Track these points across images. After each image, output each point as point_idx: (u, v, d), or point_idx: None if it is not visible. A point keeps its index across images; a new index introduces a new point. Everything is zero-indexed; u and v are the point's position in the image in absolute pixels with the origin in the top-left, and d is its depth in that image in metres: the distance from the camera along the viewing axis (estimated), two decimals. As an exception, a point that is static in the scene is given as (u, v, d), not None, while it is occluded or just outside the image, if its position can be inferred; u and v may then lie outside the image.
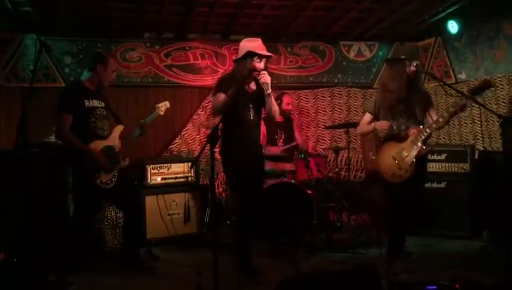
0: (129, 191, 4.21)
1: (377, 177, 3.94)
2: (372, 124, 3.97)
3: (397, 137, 3.87)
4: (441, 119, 3.72)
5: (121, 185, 4.03)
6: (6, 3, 4.96)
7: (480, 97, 3.84)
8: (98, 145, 3.88)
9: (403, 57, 3.85)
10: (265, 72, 3.78)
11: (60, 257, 3.82)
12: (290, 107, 5.90)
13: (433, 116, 3.89)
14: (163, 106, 4.47)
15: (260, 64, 3.83)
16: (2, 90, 5.60)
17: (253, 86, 3.94)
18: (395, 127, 3.85)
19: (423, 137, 3.78)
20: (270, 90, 3.77)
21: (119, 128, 4.13)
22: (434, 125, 3.76)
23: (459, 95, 3.70)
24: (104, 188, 3.87)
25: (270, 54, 3.93)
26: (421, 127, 3.81)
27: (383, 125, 3.89)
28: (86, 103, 3.87)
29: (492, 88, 3.77)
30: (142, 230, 4.72)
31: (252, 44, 3.89)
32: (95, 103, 3.94)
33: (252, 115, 3.92)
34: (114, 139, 4.05)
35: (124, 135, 4.17)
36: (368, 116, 4.07)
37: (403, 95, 3.80)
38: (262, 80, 3.74)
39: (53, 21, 5.56)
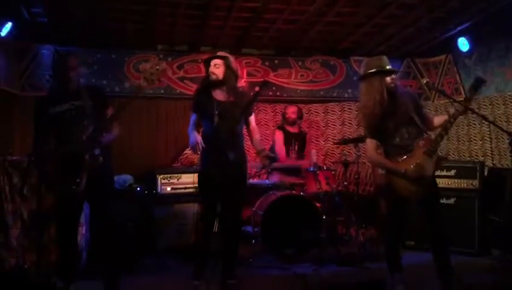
0: (100, 201, 3.66)
1: (389, 193, 3.83)
2: (399, 169, 3.59)
3: (404, 151, 3.64)
4: (448, 125, 3.55)
5: (93, 193, 3.55)
6: (23, 14, 5.08)
7: (477, 93, 3.73)
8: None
9: (373, 70, 3.63)
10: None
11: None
12: (293, 116, 5.97)
13: (431, 118, 3.81)
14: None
15: (211, 69, 4.03)
16: (17, 99, 5.68)
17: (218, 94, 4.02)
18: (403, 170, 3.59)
19: (436, 146, 3.57)
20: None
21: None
22: (443, 132, 3.58)
23: (461, 102, 3.63)
24: (70, 191, 3.41)
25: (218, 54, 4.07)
26: (428, 136, 3.65)
27: (413, 174, 3.56)
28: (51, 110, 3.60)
29: (485, 82, 3.68)
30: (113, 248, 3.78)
31: None
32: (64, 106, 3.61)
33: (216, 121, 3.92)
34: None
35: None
36: (372, 142, 3.73)
37: (382, 109, 3.56)
38: None
39: (69, 32, 5.67)
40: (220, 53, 4.11)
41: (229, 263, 3.91)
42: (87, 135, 3.46)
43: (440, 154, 3.69)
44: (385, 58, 3.78)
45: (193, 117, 4.13)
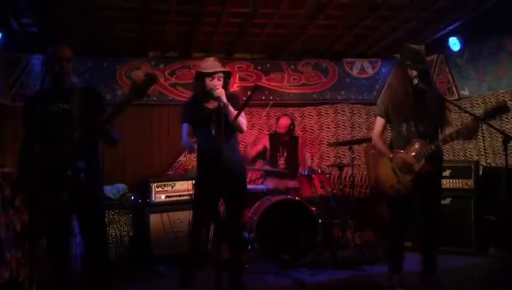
0: (87, 218, 3.36)
1: (379, 189, 3.87)
2: (388, 153, 3.77)
3: (401, 145, 3.73)
4: (448, 139, 3.63)
5: (79, 209, 3.29)
6: (13, 25, 5.05)
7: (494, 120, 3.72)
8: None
9: (408, 62, 3.70)
10: (217, 87, 3.87)
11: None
12: (282, 131, 5.91)
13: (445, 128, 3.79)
14: None
15: (213, 82, 3.90)
16: (8, 109, 5.64)
17: (211, 104, 3.99)
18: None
19: (427, 153, 3.61)
20: (225, 100, 3.83)
21: None
22: (440, 143, 3.64)
23: (472, 117, 3.62)
24: (50, 205, 3.17)
25: (220, 69, 3.95)
26: (426, 141, 3.65)
27: (398, 163, 3.69)
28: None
29: (507, 112, 3.65)
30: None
31: (202, 65, 4.01)
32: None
33: (213, 131, 3.92)
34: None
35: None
36: (380, 121, 3.88)
37: (408, 97, 3.68)
38: (216, 94, 3.85)
39: (59, 41, 5.61)
40: (222, 68, 4.02)
41: (236, 272, 3.96)
42: (72, 144, 3.12)
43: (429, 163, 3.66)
44: (422, 51, 3.90)
45: (185, 127, 4.09)
